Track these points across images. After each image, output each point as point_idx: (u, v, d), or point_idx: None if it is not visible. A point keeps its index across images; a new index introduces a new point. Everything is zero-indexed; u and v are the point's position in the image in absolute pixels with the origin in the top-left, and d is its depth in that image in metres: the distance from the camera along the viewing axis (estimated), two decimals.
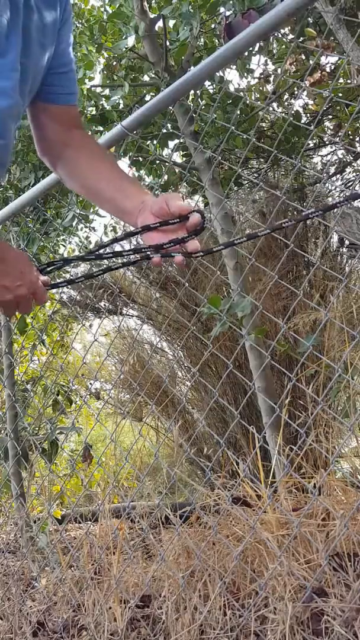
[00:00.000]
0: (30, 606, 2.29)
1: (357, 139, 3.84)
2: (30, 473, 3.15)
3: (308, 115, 3.84)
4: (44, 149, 1.28)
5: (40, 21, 1.11)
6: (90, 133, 3.72)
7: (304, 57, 3.35)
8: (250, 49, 2.99)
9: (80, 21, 4.04)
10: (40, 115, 1.25)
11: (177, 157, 3.78)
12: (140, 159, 3.61)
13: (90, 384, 4.54)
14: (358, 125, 3.58)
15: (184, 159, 3.69)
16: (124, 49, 3.44)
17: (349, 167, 4.08)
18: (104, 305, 4.21)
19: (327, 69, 3.47)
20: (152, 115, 1.97)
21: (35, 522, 3.04)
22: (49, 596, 2.26)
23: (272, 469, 2.05)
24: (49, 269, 1.09)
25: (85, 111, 3.72)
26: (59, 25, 1.18)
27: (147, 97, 3.55)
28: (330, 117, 3.82)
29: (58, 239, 4.78)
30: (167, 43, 3.03)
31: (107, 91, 3.67)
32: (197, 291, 3.32)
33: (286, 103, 3.85)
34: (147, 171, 3.67)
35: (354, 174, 4.10)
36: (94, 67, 3.89)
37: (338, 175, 4.14)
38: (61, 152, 1.25)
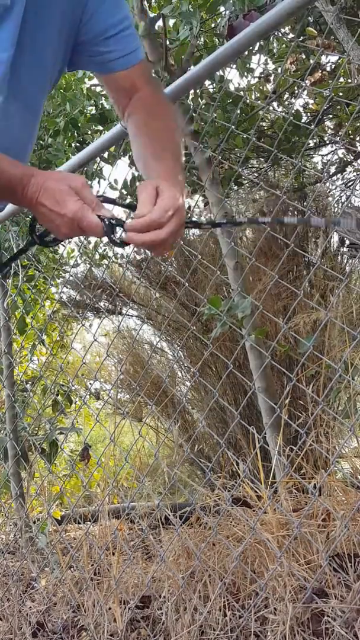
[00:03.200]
0: (30, 607, 2.29)
1: (358, 138, 3.84)
2: (30, 473, 3.14)
3: (308, 114, 3.83)
4: (121, 118, 1.21)
5: None
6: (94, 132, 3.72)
7: (304, 56, 3.35)
8: (251, 48, 2.98)
9: None
10: (105, 85, 1.20)
11: None
12: None
13: (90, 384, 4.54)
14: (358, 124, 3.57)
15: (184, 158, 3.68)
16: None
17: (349, 166, 4.08)
18: (104, 305, 4.20)
19: (328, 68, 3.46)
20: None
21: (34, 522, 3.03)
22: (49, 597, 2.25)
23: (272, 470, 2.05)
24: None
25: (85, 111, 3.71)
26: None
27: None
28: (330, 116, 3.81)
29: None
30: (167, 42, 3.02)
31: None
32: (197, 291, 3.31)
33: (286, 102, 3.85)
34: None
35: (355, 173, 4.09)
36: None
37: (338, 175, 4.14)
38: (127, 121, 1.18)
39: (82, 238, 5.22)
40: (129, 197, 3.30)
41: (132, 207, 0.99)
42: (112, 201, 1.02)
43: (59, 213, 0.94)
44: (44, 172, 0.99)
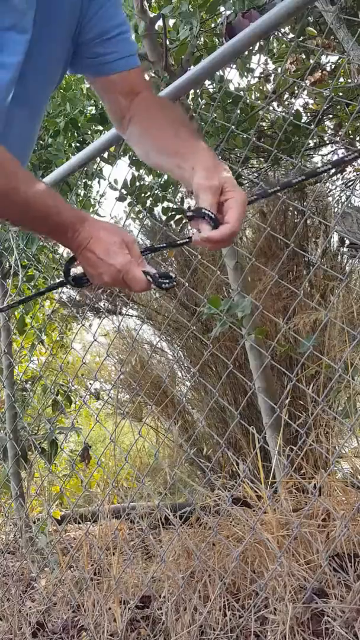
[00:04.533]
0: (30, 607, 2.29)
1: (358, 138, 3.84)
2: (30, 473, 3.14)
3: (308, 114, 3.83)
4: (116, 126, 1.22)
5: None
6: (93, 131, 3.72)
7: (304, 56, 3.34)
8: (251, 48, 2.98)
9: None
10: (101, 91, 1.20)
11: None
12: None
13: (90, 384, 4.54)
14: (358, 124, 3.57)
15: None
16: None
17: (349, 166, 4.08)
18: (104, 305, 4.20)
19: (328, 68, 3.46)
20: None
21: (34, 522, 3.04)
22: (49, 597, 2.25)
23: (272, 470, 2.05)
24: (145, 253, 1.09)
25: (85, 111, 3.71)
26: None
27: None
28: (330, 116, 3.81)
29: None
30: (167, 42, 3.02)
31: None
32: (197, 291, 3.31)
33: (286, 102, 3.85)
34: (147, 171, 3.66)
35: (355, 173, 4.09)
36: None
37: (338, 175, 4.14)
38: (127, 126, 1.18)
39: None
40: (128, 196, 3.29)
41: (173, 246, 1.11)
42: (151, 249, 1.15)
43: (108, 263, 0.98)
44: (96, 220, 1.02)
